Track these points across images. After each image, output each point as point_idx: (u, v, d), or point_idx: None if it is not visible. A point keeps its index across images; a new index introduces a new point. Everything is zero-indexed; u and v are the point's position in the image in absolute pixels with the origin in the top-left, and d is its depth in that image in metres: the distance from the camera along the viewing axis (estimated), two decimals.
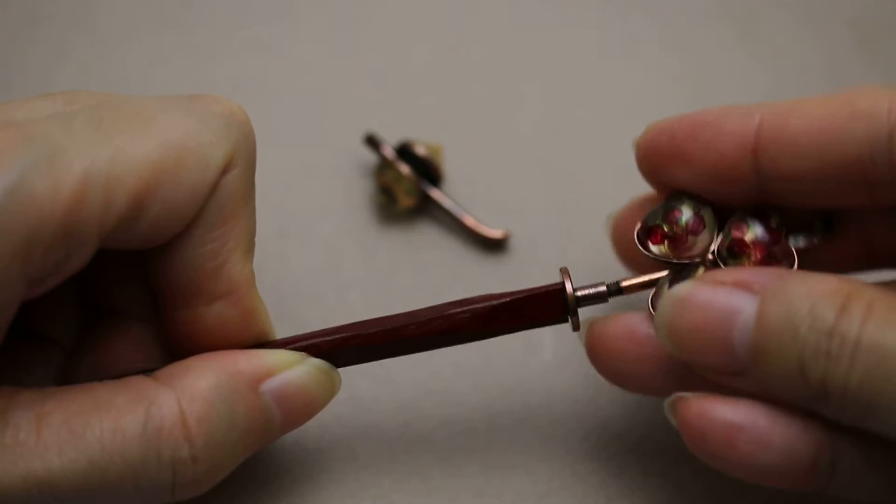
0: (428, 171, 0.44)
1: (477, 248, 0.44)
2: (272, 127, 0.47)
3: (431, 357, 0.41)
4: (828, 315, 0.29)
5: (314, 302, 0.43)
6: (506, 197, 0.45)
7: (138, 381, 0.32)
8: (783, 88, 0.45)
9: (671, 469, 0.39)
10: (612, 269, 0.41)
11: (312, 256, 0.44)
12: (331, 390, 0.35)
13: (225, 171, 0.32)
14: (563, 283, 0.35)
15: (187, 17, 0.50)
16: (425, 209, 0.45)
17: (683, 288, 0.31)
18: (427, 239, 0.45)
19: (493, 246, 0.44)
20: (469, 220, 0.44)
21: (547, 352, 0.41)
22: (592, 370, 0.41)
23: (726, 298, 0.30)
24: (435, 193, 0.45)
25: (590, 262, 0.42)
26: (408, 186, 0.44)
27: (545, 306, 0.35)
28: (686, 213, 0.35)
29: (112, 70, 0.49)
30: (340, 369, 0.35)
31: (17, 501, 0.29)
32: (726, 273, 0.31)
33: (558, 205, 0.45)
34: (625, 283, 0.35)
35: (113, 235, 0.30)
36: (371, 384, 0.41)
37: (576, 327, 0.35)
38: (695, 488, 0.38)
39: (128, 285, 0.35)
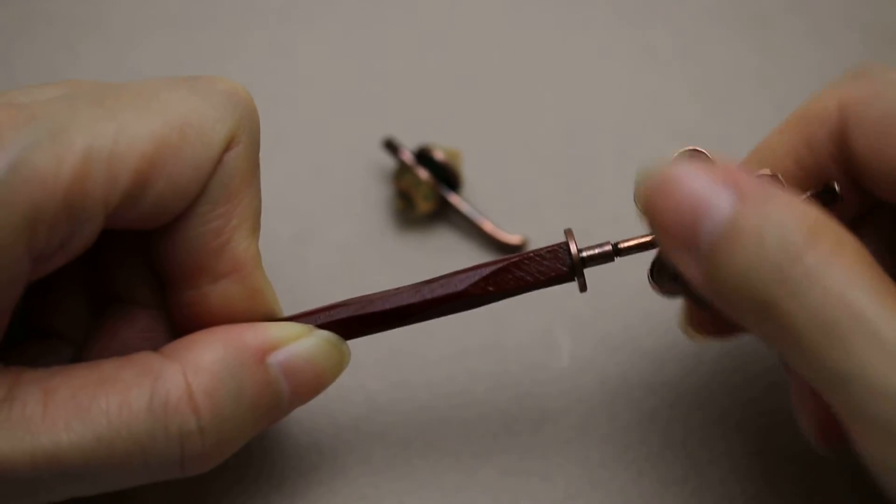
0: (446, 176, 0.44)
1: (494, 254, 0.44)
2: (290, 130, 0.47)
3: (447, 361, 0.41)
4: (797, 240, 0.28)
5: None
6: (524, 202, 0.45)
7: (144, 357, 0.32)
8: (796, 95, 0.45)
9: (689, 476, 0.39)
10: (627, 273, 0.41)
11: (329, 260, 0.44)
12: (340, 363, 0.35)
13: (228, 147, 0.32)
14: (567, 242, 0.35)
15: (199, 17, 0.50)
16: (443, 214, 0.45)
17: (673, 165, 0.30)
18: (445, 244, 0.45)
19: (511, 251, 0.44)
20: (487, 226, 0.44)
21: (564, 357, 0.41)
22: (609, 375, 0.41)
23: (709, 190, 0.29)
24: (453, 198, 0.44)
25: (606, 267, 0.42)
26: (426, 191, 0.44)
27: (551, 266, 0.35)
28: None
29: (121, 70, 0.49)
30: (354, 361, 0.35)
31: (26, 477, 0.29)
32: (718, 165, 0.30)
33: (576, 210, 0.45)
34: (623, 245, 0.35)
35: (118, 213, 0.30)
36: (387, 388, 0.41)
37: (582, 288, 0.35)
38: (713, 496, 0.38)
39: (134, 271, 0.35)
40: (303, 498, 0.38)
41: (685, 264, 0.30)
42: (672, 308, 0.42)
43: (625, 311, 0.42)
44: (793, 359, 0.29)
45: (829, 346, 0.27)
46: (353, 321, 0.35)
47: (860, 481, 0.38)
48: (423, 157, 0.44)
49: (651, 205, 0.30)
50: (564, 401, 0.40)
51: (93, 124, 0.29)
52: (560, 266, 0.34)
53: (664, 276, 0.34)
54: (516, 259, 0.35)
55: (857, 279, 0.27)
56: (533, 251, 0.35)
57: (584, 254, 0.34)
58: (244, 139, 0.33)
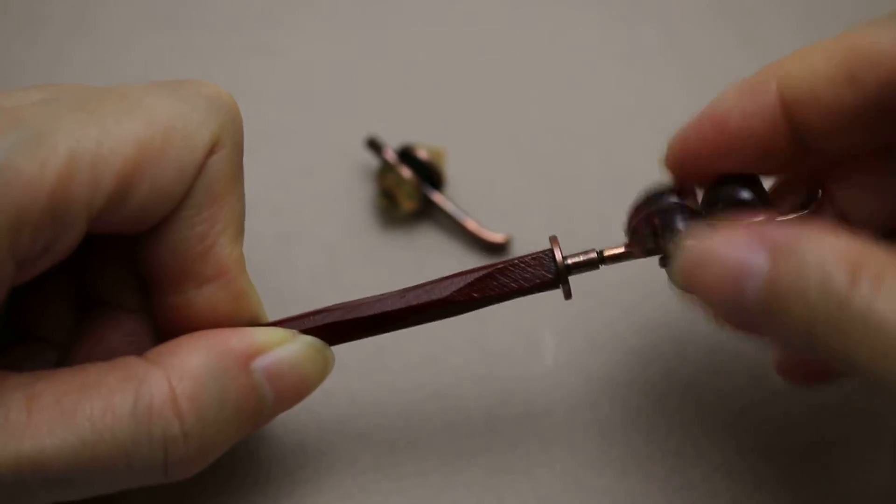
0: (430, 175, 0.44)
1: (478, 252, 0.44)
2: (274, 130, 0.47)
3: (432, 361, 0.41)
4: (839, 283, 0.28)
5: (315, 305, 0.42)
6: (507, 201, 0.45)
7: (128, 361, 0.32)
8: None
9: (673, 474, 0.39)
10: (611, 272, 0.41)
11: (314, 260, 0.44)
12: (324, 368, 0.35)
13: (212, 151, 0.32)
14: (552, 250, 0.35)
15: (188, 19, 0.50)
16: (427, 213, 0.45)
17: (699, 241, 0.31)
18: (428, 243, 0.45)
19: (495, 250, 0.44)
20: (471, 224, 0.44)
21: (549, 356, 0.41)
22: (594, 374, 0.41)
23: (739, 254, 0.29)
24: (437, 197, 0.44)
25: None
26: (409, 190, 0.44)
27: (535, 273, 0.35)
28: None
29: (112, 72, 0.49)
30: (338, 362, 0.35)
31: (9, 482, 0.29)
32: (741, 227, 0.31)
33: (560, 209, 0.45)
34: (608, 253, 0.35)
35: (102, 217, 0.30)
36: (372, 387, 0.41)
37: (567, 295, 0.35)
38: (697, 493, 0.38)
39: (119, 275, 0.35)
40: (288, 498, 0.38)
41: (744, 332, 0.31)
42: (657, 306, 0.42)
43: (609, 311, 0.42)
44: (876, 390, 0.29)
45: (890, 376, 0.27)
46: (338, 327, 0.35)
47: (845, 478, 0.38)
48: (407, 155, 0.44)
49: (693, 280, 0.31)
50: (549, 400, 0.40)
51: (76, 128, 0.29)
52: (545, 273, 0.35)
53: (641, 241, 0.34)
54: (501, 266, 0.35)
55: None
56: (518, 258, 0.35)
57: (570, 261, 0.35)
58: (228, 143, 0.33)
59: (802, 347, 0.29)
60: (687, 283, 0.31)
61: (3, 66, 0.49)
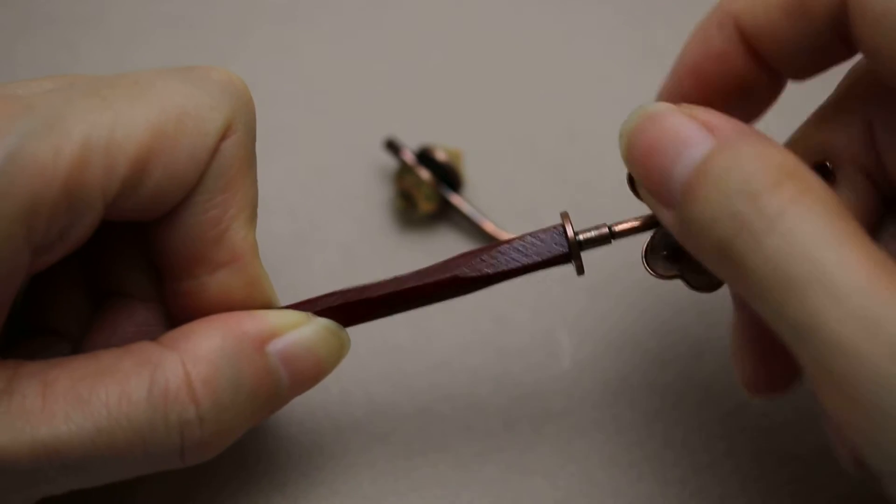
0: (448, 177, 0.44)
1: None
2: (292, 130, 0.47)
3: (449, 362, 0.41)
4: (760, 183, 0.27)
5: None
6: (525, 203, 0.45)
7: (143, 346, 0.32)
8: (796, 94, 0.45)
9: (689, 477, 0.39)
10: (629, 274, 0.41)
11: (331, 260, 0.44)
12: (339, 350, 0.34)
13: (224, 136, 0.32)
14: (563, 225, 0.35)
15: (200, 16, 0.50)
16: (445, 214, 0.45)
17: (656, 105, 0.31)
18: (446, 244, 0.45)
19: None
20: (488, 226, 0.44)
21: (566, 358, 0.41)
22: (611, 376, 0.41)
23: (687, 130, 0.29)
24: (455, 199, 0.44)
25: (607, 266, 0.42)
26: (427, 192, 0.44)
27: (547, 247, 0.35)
28: None
29: (122, 70, 0.48)
30: (355, 363, 0.35)
31: (26, 469, 0.29)
32: (700, 110, 0.30)
33: (577, 210, 0.44)
34: (618, 227, 0.34)
35: (116, 202, 0.30)
36: (388, 388, 0.41)
37: (579, 270, 0.35)
38: (713, 496, 0.38)
39: (132, 264, 0.35)
40: (305, 498, 0.39)
41: (660, 211, 0.30)
42: (674, 309, 0.42)
43: (626, 313, 0.42)
44: (755, 306, 0.28)
45: (786, 297, 0.26)
46: (352, 307, 0.35)
47: (860, 482, 0.38)
48: (425, 157, 0.44)
49: (631, 144, 0.31)
50: (566, 401, 0.40)
51: (90, 114, 0.29)
52: (556, 246, 0.35)
53: (657, 258, 0.34)
54: (513, 240, 0.35)
55: (818, 226, 0.27)
56: (529, 233, 0.35)
57: (581, 236, 0.35)
58: (240, 128, 0.33)
59: (704, 239, 0.28)
60: (629, 142, 0.31)
61: (11, 63, 0.49)
